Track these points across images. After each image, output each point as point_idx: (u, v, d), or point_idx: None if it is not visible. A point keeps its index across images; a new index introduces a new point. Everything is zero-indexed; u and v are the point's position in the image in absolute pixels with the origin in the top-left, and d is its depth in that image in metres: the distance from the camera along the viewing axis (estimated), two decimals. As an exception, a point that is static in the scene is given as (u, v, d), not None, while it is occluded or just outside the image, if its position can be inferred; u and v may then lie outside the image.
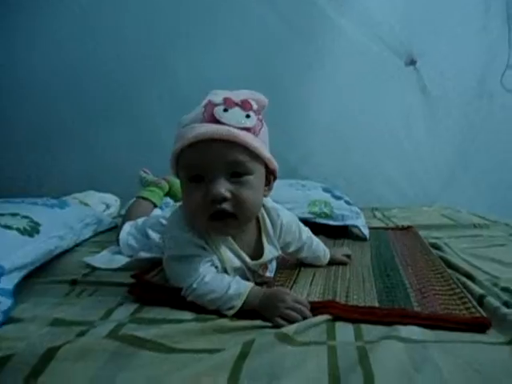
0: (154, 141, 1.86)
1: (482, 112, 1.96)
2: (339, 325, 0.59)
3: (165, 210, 1.14)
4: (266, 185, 0.71)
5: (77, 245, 1.07)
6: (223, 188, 0.62)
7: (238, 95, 0.65)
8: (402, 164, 2.03)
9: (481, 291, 0.69)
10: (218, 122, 0.62)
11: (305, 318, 0.59)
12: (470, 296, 0.67)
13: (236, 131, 0.62)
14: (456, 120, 1.98)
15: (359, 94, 1.95)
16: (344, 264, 0.91)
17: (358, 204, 1.54)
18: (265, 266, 0.76)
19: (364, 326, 0.58)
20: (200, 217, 0.65)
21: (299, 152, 2.00)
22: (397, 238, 1.21)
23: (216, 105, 0.63)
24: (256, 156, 0.65)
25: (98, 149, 2.07)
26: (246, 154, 0.64)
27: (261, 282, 0.75)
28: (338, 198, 1.31)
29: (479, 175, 1.98)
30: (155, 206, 1.21)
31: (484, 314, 0.60)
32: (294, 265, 0.89)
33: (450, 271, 0.83)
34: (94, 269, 0.87)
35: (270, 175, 0.71)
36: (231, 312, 0.62)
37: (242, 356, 0.49)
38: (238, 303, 0.62)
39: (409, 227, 1.34)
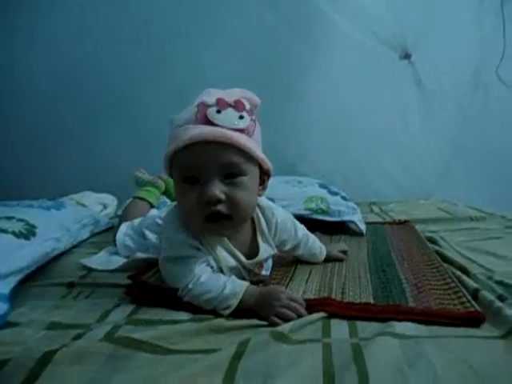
0: (153, 140, 1.84)
1: (477, 104, 1.96)
2: (334, 322, 0.59)
3: (161, 210, 1.14)
4: (260, 184, 0.71)
5: (74, 246, 1.07)
6: (218, 190, 0.63)
7: (230, 95, 0.65)
8: (398, 157, 2.04)
9: (475, 285, 0.69)
10: (211, 123, 0.62)
11: (300, 316, 0.60)
12: (464, 290, 0.68)
13: (230, 133, 0.62)
14: (451, 113, 1.98)
15: (355, 88, 1.95)
16: (340, 260, 0.91)
17: (356, 199, 1.54)
18: (260, 265, 0.76)
19: (359, 323, 0.58)
20: (195, 218, 0.66)
21: (297, 149, 2.01)
22: (393, 232, 1.21)
23: (209, 106, 0.62)
24: (250, 157, 0.65)
25: (96, 149, 2.07)
26: (240, 156, 0.64)
27: (257, 280, 0.76)
28: (335, 193, 1.32)
29: (475, 167, 1.98)
30: (152, 206, 1.21)
31: (478, 309, 0.60)
32: (290, 262, 0.89)
33: (445, 265, 0.83)
34: (91, 270, 0.87)
35: (264, 175, 0.71)
36: (227, 311, 0.62)
37: (238, 355, 0.49)
38: (234, 302, 0.62)
39: (405, 221, 1.35)
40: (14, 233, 0.81)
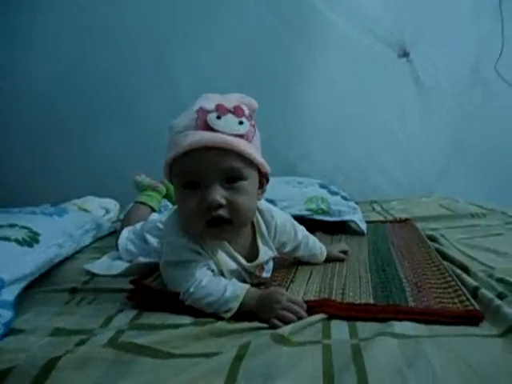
0: (152, 141, 1.85)
1: (475, 101, 1.96)
2: (334, 323, 0.60)
3: (162, 214, 1.15)
4: (258, 188, 0.71)
5: (77, 252, 1.08)
6: (218, 195, 0.63)
7: (229, 100, 0.65)
8: (397, 155, 2.04)
9: (475, 283, 0.70)
10: (211, 129, 0.62)
11: (300, 318, 0.60)
12: (464, 289, 0.68)
13: (230, 138, 0.63)
14: (450, 110, 1.98)
15: (353, 87, 1.95)
16: (341, 260, 0.92)
17: (357, 198, 1.55)
18: (261, 267, 0.77)
19: (359, 324, 0.59)
20: (196, 223, 0.66)
21: (298, 149, 2.01)
22: (394, 231, 1.21)
23: (208, 112, 0.63)
24: (249, 162, 0.66)
25: (95, 149, 2.06)
26: (240, 161, 0.65)
27: (258, 282, 0.76)
28: (335, 193, 1.32)
29: (474, 164, 1.98)
30: (153, 210, 1.21)
31: (477, 307, 0.61)
32: (291, 264, 0.89)
33: (446, 263, 0.83)
34: (94, 276, 0.88)
35: (263, 178, 0.72)
36: (228, 314, 0.63)
37: (239, 358, 0.50)
38: (235, 305, 0.63)
39: (406, 220, 1.35)
40: (17, 240, 0.82)
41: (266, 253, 0.76)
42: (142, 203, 1.22)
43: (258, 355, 0.50)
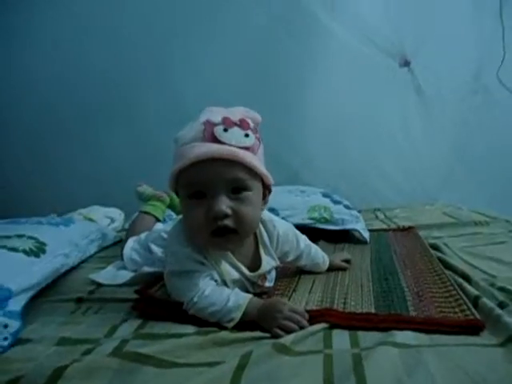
0: (152, 145, 1.89)
1: (477, 108, 1.97)
2: (336, 332, 0.60)
3: (166, 224, 1.16)
4: (261, 199, 0.73)
5: (82, 261, 1.10)
6: (224, 205, 0.65)
7: (234, 113, 0.67)
8: (400, 163, 2.05)
9: (476, 292, 0.70)
10: (218, 141, 0.64)
11: (302, 327, 0.61)
12: (465, 298, 0.68)
13: (237, 150, 0.64)
14: (452, 117, 1.99)
15: (355, 97, 1.97)
16: (343, 269, 0.92)
17: (360, 206, 1.55)
18: (263, 277, 0.77)
19: (360, 333, 0.59)
20: (201, 233, 0.67)
21: (300, 157, 2.03)
22: (397, 239, 1.22)
23: (215, 124, 0.65)
24: (254, 173, 0.68)
25: (98, 153, 2.08)
26: (246, 172, 0.66)
27: (260, 292, 0.77)
28: (338, 202, 1.33)
29: (477, 170, 1.98)
30: (158, 220, 1.23)
31: (478, 316, 0.61)
32: (293, 273, 0.90)
33: (448, 272, 0.84)
34: (99, 285, 0.89)
35: (266, 190, 0.73)
36: (231, 324, 0.64)
37: (241, 368, 0.51)
38: (238, 315, 0.64)
39: (410, 228, 1.35)
40: (24, 251, 0.84)
41: (268, 262, 0.77)
42: (146, 213, 1.23)
43: (260, 364, 0.51)
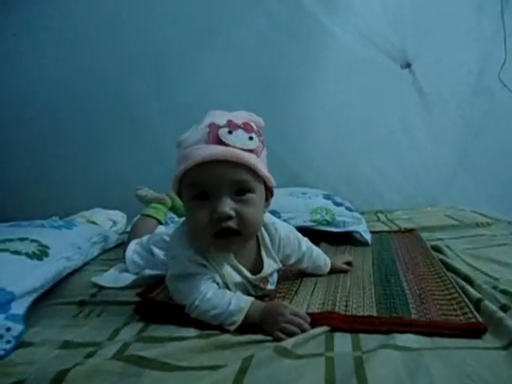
0: (155, 148, 1.89)
1: (479, 110, 1.96)
2: (337, 335, 0.60)
3: (168, 227, 1.16)
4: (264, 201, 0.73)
5: (85, 264, 1.10)
6: (228, 207, 0.65)
7: (237, 117, 0.68)
8: (402, 164, 2.04)
9: (478, 295, 0.70)
10: (223, 143, 0.65)
11: (303, 330, 0.61)
12: (467, 301, 0.68)
13: (241, 153, 0.65)
14: (453, 119, 1.98)
15: (357, 99, 1.96)
16: (345, 272, 0.92)
17: (362, 207, 1.55)
18: (265, 280, 0.77)
19: (362, 336, 0.59)
20: (205, 234, 0.68)
21: (301, 159, 2.02)
22: (399, 241, 1.22)
23: (220, 127, 0.66)
24: (258, 176, 0.68)
25: (99, 156, 2.07)
26: (250, 174, 0.67)
27: (262, 295, 0.77)
28: (339, 204, 1.33)
29: (479, 172, 1.98)
30: (160, 222, 1.23)
31: (480, 319, 0.61)
32: (295, 275, 0.90)
33: (450, 274, 0.84)
34: (102, 288, 0.90)
35: (268, 192, 0.74)
36: (233, 327, 0.64)
37: (242, 371, 0.51)
38: (239, 318, 0.64)
39: (411, 230, 1.35)
40: (27, 254, 0.84)
41: (270, 265, 0.77)
42: (148, 216, 1.23)
43: (262, 368, 0.51)
